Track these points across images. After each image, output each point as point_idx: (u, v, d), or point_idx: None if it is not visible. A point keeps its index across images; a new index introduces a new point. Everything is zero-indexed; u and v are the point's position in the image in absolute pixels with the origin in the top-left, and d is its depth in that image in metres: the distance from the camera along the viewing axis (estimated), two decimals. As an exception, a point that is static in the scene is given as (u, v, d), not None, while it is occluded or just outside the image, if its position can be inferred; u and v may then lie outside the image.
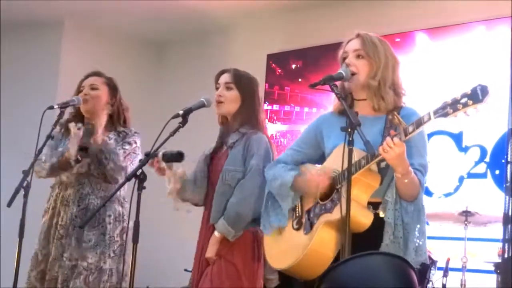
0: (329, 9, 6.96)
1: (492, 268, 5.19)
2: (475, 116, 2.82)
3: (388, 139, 2.95)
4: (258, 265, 3.81)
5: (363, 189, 3.11)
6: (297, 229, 3.32)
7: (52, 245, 4.13)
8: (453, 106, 2.82)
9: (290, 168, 3.41)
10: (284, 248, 3.33)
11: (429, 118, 2.88)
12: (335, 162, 3.15)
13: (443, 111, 2.84)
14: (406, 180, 3.04)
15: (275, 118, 7.27)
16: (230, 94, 3.88)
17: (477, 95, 2.78)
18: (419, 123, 2.92)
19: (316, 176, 3.24)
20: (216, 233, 3.76)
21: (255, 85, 3.97)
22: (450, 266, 5.42)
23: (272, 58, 7.42)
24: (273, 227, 3.42)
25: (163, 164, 3.79)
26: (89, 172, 4.19)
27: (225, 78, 3.92)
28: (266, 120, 7.12)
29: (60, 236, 4.12)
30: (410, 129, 2.94)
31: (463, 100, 2.80)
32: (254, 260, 3.80)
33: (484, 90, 2.78)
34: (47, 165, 4.17)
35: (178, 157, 3.79)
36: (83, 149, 4.07)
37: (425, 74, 6.18)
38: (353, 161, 3.02)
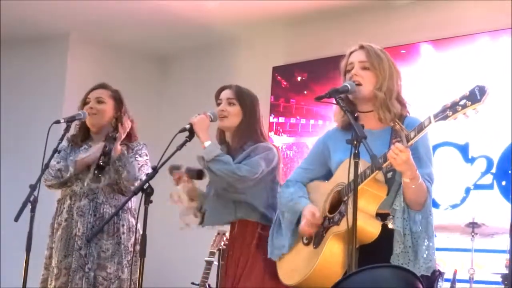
0: (334, 22, 6.97)
1: (500, 280, 5.17)
2: (475, 117, 2.84)
3: (394, 145, 2.96)
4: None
5: (370, 199, 3.12)
6: (307, 244, 3.33)
7: (71, 257, 4.12)
8: (453, 108, 2.84)
9: (300, 196, 3.42)
10: (295, 263, 3.34)
11: (430, 122, 2.92)
12: (342, 175, 3.16)
13: (443, 114, 2.87)
14: (413, 186, 3.04)
15: (281, 130, 7.25)
16: (233, 109, 3.94)
17: (475, 96, 2.80)
18: (420, 128, 2.95)
19: (307, 224, 3.27)
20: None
21: (255, 101, 4.04)
22: (457, 277, 5.38)
23: (278, 70, 7.40)
24: (278, 255, 3.46)
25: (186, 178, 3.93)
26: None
27: (227, 94, 3.99)
28: (272, 133, 7.15)
29: (79, 247, 4.12)
30: (412, 134, 2.97)
31: (462, 102, 2.83)
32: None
33: (482, 90, 2.80)
34: (67, 175, 4.18)
35: (200, 175, 3.91)
36: (100, 167, 4.11)
37: (430, 85, 6.16)
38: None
